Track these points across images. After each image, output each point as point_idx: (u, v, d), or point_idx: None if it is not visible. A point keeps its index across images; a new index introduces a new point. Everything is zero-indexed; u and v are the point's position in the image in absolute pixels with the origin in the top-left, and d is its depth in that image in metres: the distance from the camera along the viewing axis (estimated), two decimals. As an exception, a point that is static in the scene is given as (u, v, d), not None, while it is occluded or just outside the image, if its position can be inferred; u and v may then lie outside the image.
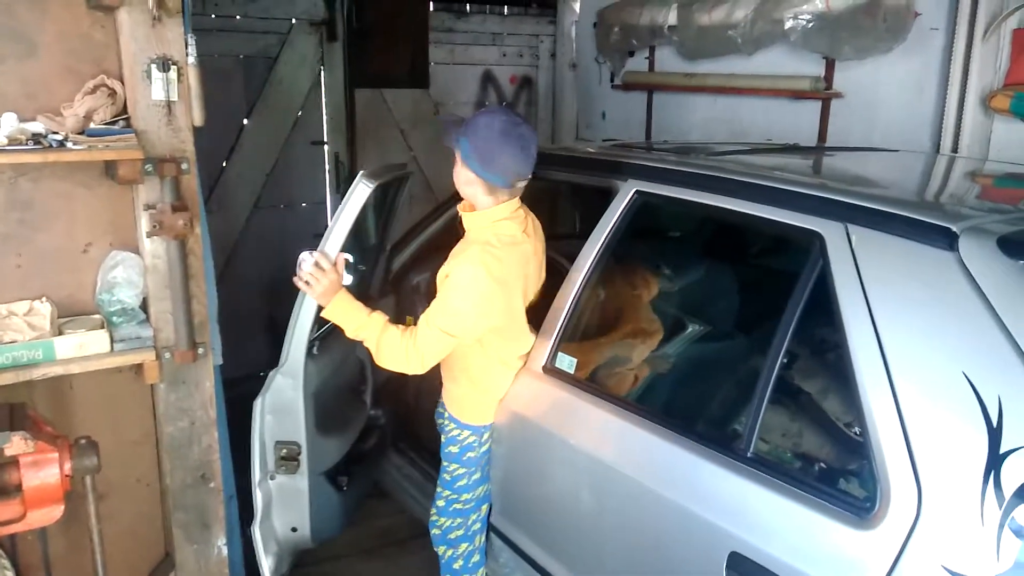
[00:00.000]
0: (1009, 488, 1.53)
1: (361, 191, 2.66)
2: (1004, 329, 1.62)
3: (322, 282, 2.56)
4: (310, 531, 2.98)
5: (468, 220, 2.63)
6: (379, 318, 2.56)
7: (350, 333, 2.59)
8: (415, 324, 2.61)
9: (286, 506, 2.93)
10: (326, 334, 2.99)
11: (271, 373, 2.80)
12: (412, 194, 5.95)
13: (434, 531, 2.91)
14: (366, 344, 2.58)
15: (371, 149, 5.99)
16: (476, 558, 2.89)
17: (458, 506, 2.84)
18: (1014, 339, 1.60)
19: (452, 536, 2.87)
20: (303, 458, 2.85)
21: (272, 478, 2.88)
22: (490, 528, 2.89)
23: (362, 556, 3.71)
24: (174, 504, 2.71)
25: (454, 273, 2.51)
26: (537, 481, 2.64)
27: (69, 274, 2.52)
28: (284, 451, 2.84)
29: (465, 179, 2.56)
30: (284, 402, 2.81)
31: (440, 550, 2.91)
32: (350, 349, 3.24)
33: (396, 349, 2.51)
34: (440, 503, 2.88)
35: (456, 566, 2.89)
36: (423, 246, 3.67)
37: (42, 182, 2.42)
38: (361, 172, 2.70)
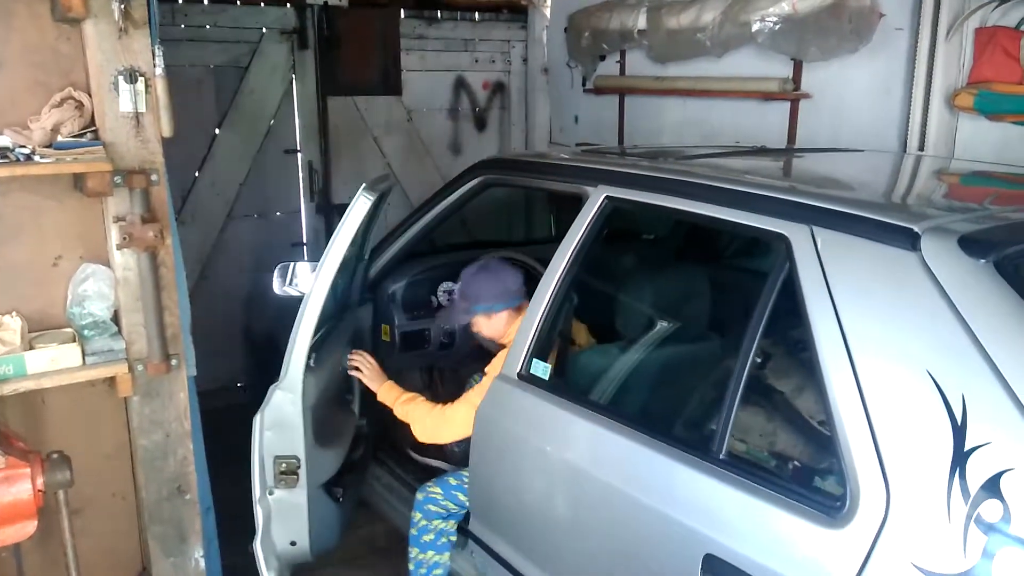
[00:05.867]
0: (974, 484, 1.55)
1: (362, 204, 2.71)
2: (966, 327, 1.64)
3: (371, 369, 3.13)
4: (309, 544, 2.97)
5: (508, 339, 2.87)
6: (415, 398, 2.99)
7: (398, 413, 2.99)
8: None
9: (285, 520, 2.92)
10: (319, 345, 2.99)
11: (271, 388, 2.80)
12: (388, 201, 5.99)
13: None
14: (408, 418, 2.95)
15: (345, 157, 5.98)
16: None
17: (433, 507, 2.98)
18: (976, 337, 1.62)
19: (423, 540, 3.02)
20: (302, 471, 2.86)
21: (271, 493, 2.88)
22: (469, 535, 2.90)
23: (342, 565, 3.69)
24: (150, 517, 2.70)
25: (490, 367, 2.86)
26: (514, 487, 2.64)
27: (39, 288, 2.51)
28: (283, 465, 2.84)
29: (496, 321, 2.99)
30: (283, 417, 2.81)
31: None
32: (338, 359, 3.24)
33: (434, 420, 2.89)
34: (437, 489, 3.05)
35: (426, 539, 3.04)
36: (398, 253, 3.67)
37: (10, 196, 2.41)
38: (363, 185, 2.75)
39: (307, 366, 2.81)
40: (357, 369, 3.15)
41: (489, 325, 3.01)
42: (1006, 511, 1.51)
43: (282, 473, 2.84)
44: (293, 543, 2.96)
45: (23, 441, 2.26)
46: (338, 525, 3.22)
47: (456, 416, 2.84)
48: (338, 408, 3.22)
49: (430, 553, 2.99)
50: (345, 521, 3.30)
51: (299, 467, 2.85)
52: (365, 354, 3.18)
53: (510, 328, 2.95)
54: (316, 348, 2.93)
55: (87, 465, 2.52)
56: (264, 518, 2.87)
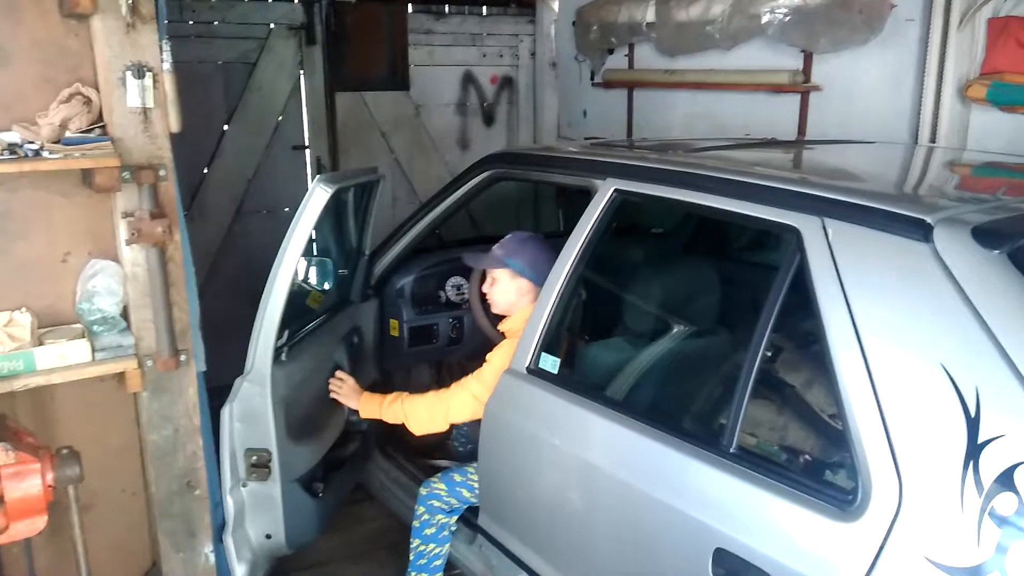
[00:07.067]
0: (988, 477, 1.54)
1: (318, 196, 2.68)
2: (980, 319, 1.63)
3: (344, 386, 3.12)
4: (285, 537, 2.96)
5: (510, 324, 2.92)
6: (399, 396, 2.99)
7: (387, 418, 3.00)
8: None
9: (259, 513, 2.91)
10: (297, 341, 2.98)
11: (237, 380, 2.79)
12: (395, 196, 5.99)
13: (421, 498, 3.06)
14: (400, 417, 2.95)
15: (353, 152, 5.97)
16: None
17: (437, 502, 2.98)
18: (990, 329, 1.61)
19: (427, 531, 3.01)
20: (274, 465, 2.84)
21: (244, 485, 2.87)
22: (477, 529, 2.90)
23: (350, 561, 3.70)
24: (160, 513, 2.71)
25: (491, 355, 2.86)
26: (523, 483, 2.64)
27: (48, 284, 2.51)
28: (254, 458, 2.82)
29: (513, 288, 2.91)
30: (252, 409, 2.79)
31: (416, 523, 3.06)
32: (326, 354, 3.23)
33: (429, 406, 2.91)
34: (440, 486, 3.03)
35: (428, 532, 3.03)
36: (406, 248, 3.66)
37: (19, 192, 2.41)
38: (318, 177, 2.72)
39: (278, 360, 2.80)
40: (336, 392, 3.15)
41: (504, 288, 2.94)
42: (1020, 504, 1.50)
43: (253, 466, 2.83)
44: (268, 536, 2.95)
45: (33, 437, 2.26)
46: (317, 519, 3.16)
47: (453, 400, 2.85)
48: (323, 403, 3.20)
49: (431, 545, 3.01)
50: (327, 516, 3.26)
51: (271, 460, 2.83)
52: (340, 373, 3.17)
53: (518, 307, 2.91)
54: (292, 343, 2.92)
55: (97, 461, 2.52)
56: (236, 510, 2.86)
